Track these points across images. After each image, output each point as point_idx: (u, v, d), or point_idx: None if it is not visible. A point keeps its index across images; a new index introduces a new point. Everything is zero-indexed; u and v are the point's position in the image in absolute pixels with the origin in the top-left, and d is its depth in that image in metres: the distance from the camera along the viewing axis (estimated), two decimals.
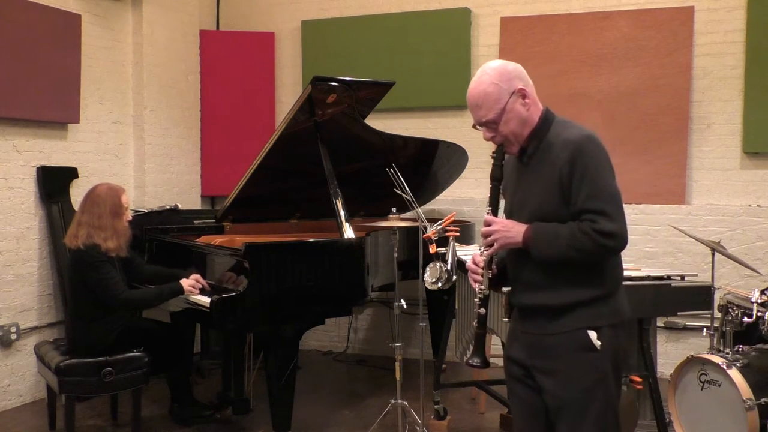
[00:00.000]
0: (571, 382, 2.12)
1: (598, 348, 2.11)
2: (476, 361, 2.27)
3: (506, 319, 2.38)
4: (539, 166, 2.17)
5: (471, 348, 2.32)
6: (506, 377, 2.39)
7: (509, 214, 2.27)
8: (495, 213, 2.22)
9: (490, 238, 2.19)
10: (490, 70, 2.18)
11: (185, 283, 3.85)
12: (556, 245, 2.09)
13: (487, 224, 2.20)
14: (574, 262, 2.10)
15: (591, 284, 2.14)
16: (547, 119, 2.20)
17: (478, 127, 2.23)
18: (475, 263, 2.26)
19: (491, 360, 4.85)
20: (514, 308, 2.34)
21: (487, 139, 2.23)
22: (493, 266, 2.26)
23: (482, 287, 2.23)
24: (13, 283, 4.58)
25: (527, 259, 2.17)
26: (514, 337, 2.32)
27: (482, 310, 2.23)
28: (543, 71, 5.36)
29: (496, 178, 2.23)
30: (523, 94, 2.17)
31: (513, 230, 2.16)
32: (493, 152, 2.23)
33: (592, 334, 2.11)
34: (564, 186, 2.10)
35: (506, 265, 2.32)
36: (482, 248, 2.23)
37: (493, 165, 2.23)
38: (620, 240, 2.08)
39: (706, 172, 5.18)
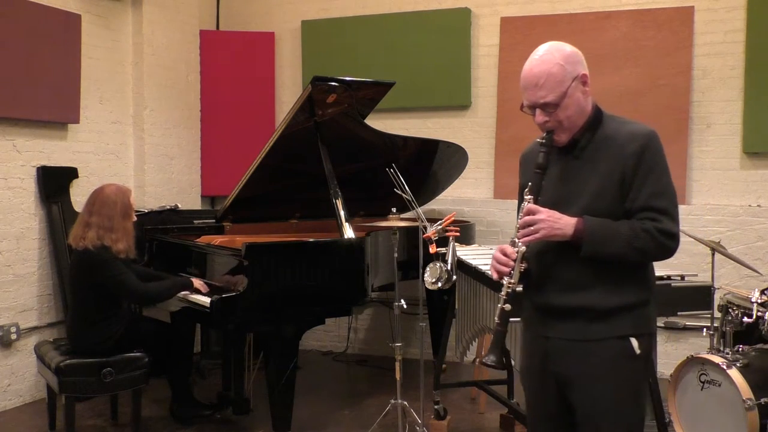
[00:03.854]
0: (608, 390, 2.03)
1: (638, 356, 2.04)
2: (492, 359, 2.08)
3: (507, 306, 2.14)
4: (595, 160, 2.06)
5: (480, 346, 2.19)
6: (522, 381, 2.29)
7: (552, 207, 2.07)
8: (536, 202, 2.06)
9: (533, 227, 2.01)
10: (554, 50, 2.06)
11: (196, 281, 3.85)
12: (614, 242, 1.98)
13: (531, 213, 2.03)
14: (625, 261, 2.01)
15: (636, 288, 2.06)
16: (599, 112, 2.12)
17: (527, 110, 2.10)
18: (504, 254, 2.08)
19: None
20: (523, 310, 2.21)
21: (539, 123, 2.08)
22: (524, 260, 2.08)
23: (512, 281, 2.06)
24: (13, 283, 4.58)
25: (567, 255, 2.04)
26: (530, 340, 2.20)
27: (507, 306, 2.06)
28: None
29: (543, 167, 2.06)
30: (584, 81, 2.08)
31: (561, 222, 2.01)
32: (542, 138, 2.08)
33: (635, 342, 2.04)
34: (626, 179, 2.01)
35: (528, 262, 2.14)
36: (516, 239, 2.06)
37: (540, 152, 2.06)
38: (678, 243, 2.02)
39: (706, 172, 5.18)
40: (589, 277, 2.03)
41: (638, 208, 2.01)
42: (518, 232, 2.06)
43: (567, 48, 2.08)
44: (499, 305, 2.08)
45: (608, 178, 2.02)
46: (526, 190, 2.08)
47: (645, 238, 1.98)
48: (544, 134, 2.08)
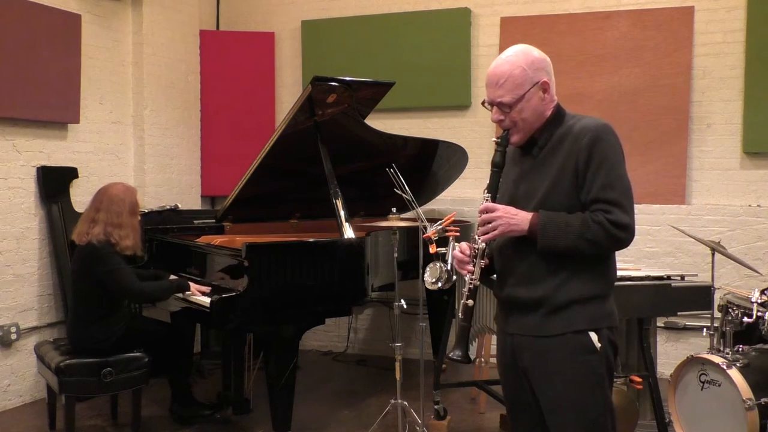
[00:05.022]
0: (570, 385, 2.06)
1: (598, 350, 2.05)
2: (457, 354, 2.13)
3: (470, 302, 2.18)
4: (551, 157, 2.10)
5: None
6: (499, 376, 2.34)
7: (510, 205, 2.14)
8: (494, 200, 2.13)
9: (491, 225, 2.07)
10: (521, 53, 2.12)
11: (194, 285, 3.85)
12: (566, 234, 2.01)
13: (488, 210, 2.09)
14: (580, 253, 2.03)
15: (592, 282, 2.08)
16: (559, 113, 2.16)
17: (487, 105, 2.16)
18: (462, 252, 2.16)
19: (490, 360, 4.85)
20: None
21: (494, 120, 2.16)
22: (485, 256, 2.15)
23: (473, 277, 2.13)
24: (13, 283, 4.58)
25: (525, 249, 2.09)
26: (500, 336, 2.27)
27: (470, 302, 2.12)
28: None
29: (499, 165, 2.13)
30: (545, 88, 2.12)
31: (517, 217, 2.06)
32: (497, 137, 2.15)
33: (593, 336, 2.05)
34: (579, 172, 2.04)
35: (493, 257, 2.22)
36: (477, 236, 2.12)
37: (496, 151, 2.14)
38: (631, 233, 2.04)
39: (706, 172, 5.18)
40: (545, 270, 2.07)
41: (591, 200, 2.04)
42: (478, 229, 2.12)
43: (535, 53, 2.14)
44: (462, 301, 2.14)
45: (562, 172, 2.07)
46: (484, 189, 2.15)
47: (596, 229, 2.00)
48: (501, 133, 2.15)
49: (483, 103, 2.19)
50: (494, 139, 2.16)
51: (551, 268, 2.07)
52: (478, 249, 2.12)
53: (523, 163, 2.18)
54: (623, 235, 2.02)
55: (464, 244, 2.17)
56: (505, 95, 2.09)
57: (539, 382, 2.11)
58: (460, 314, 2.15)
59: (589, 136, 2.05)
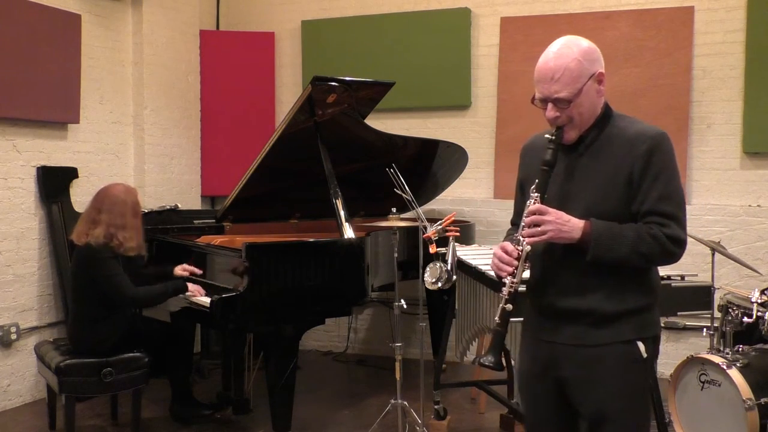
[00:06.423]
0: (616, 394, 2.00)
1: (645, 359, 2.01)
2: (490, 360, 2.01)
3: (509, 306, 2.05)
4: (600, 158, 2.01)
5: (485, 346, 2.10)
6: (520, 385, 2.26)
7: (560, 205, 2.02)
8: (542, 201, 2.00)
9: (540, 228, 1.95)
10: (574, 45, 2.00)
11: (191, 286, 3.85)
12: (619, 246, 1.92)
13: (539, 212, 1.96)
14: (630, 266, 1.96)
15: (641, 292, 2.02)
16: (608, 110, 2.07)
17: (538, 103, 2.04)
18: (507, 252, 2.02)
19: None
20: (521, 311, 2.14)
21: (550, 118, 2.02)
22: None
23: (515, 280, 1.99)
24: (13, 283, 4.58)
25: (572, 258, 1.99)
26: (532, 344, 2.16)
27: (509, 306, 1.99)
28: None
29: (551, 164, 1.99)
30: (600, 80, 2.02)
31: (569, 224, 1.94)
32: (552, 134, 2.01)
33: (641, 346, 2.00)
34: (634, 181, 1.95)
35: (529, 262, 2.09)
36: (521, 237, 1.99)
37: (549, 149, 2.00)
38: (684, 249, 1.97)
39: (706, 172, 5.18)
40: (594, 281, 1.99)
41: (645, 211, 1.96)
42: (523, 230, 2.00)
43: (584, 43, 2.03)
44: (501, 305, 2.02)
45: (614, 177, 1.98)
46: (533, 187, 2.02)
47: (651, 243, 1.93)
48: (554, 130, 2.03)
49: (533, 101, 2.06)
50: (547, 136, 2.03)
51: (599, 278, 1.98)
52: (522, 251, 2.00)
53: (567, 159, 2.06)
54: (677, 250, 1.96)
55: (509, 246, 2.03)
56: (562, 90, 1.97)
57: (582, 390, 2.03)
58: (497, 318, 2.03)
59: (648, 144, 1.97)
